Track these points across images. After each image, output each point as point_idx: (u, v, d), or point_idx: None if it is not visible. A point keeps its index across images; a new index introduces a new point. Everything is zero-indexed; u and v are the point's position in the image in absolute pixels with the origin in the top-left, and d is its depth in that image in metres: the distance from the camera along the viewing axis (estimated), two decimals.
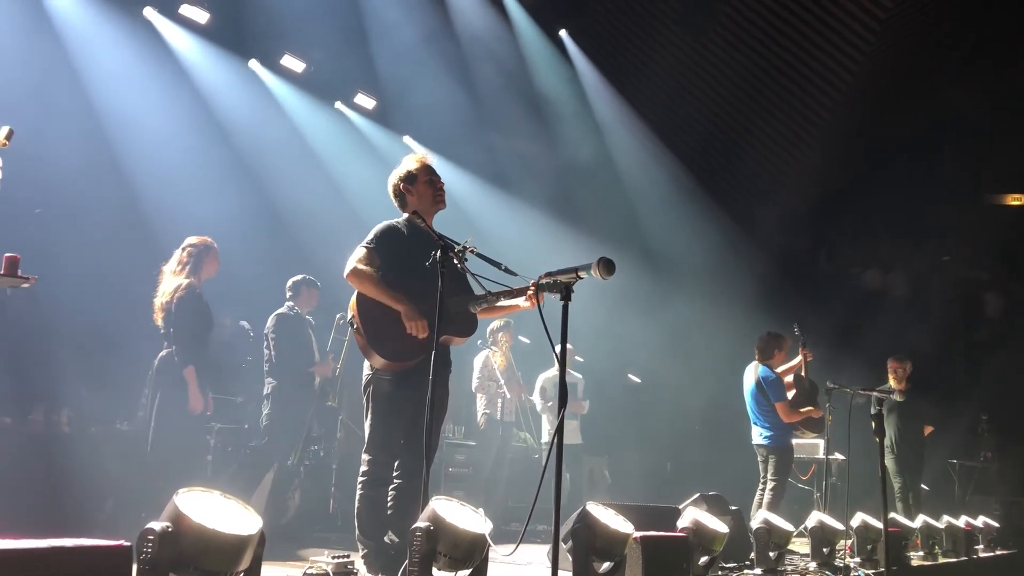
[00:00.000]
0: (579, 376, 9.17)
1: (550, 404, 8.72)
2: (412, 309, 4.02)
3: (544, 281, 3.24)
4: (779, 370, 7.43)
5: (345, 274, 4.10)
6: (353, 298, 4.13)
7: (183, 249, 6.02)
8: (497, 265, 3.83)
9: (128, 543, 2.23)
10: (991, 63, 11.54)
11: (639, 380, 11.54)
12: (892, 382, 8.53)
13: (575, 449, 9.05)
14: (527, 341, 9.10)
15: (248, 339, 7.93)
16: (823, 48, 10.65)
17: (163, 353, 5.96)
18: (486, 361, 8.68)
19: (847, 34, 10.30)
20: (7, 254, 3.24)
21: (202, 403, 5.94)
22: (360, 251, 4.14)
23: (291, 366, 6.96)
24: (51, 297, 6.21)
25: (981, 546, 8.04)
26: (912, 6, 10.09)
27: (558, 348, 3.05)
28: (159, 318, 5.92)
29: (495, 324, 8.72)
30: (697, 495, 5.80)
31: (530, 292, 3.69)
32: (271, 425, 6.93)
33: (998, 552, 8.26)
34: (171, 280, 5.93)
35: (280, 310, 7.10)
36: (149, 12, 8.60)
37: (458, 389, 9.24)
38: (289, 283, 7.21)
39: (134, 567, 2.30)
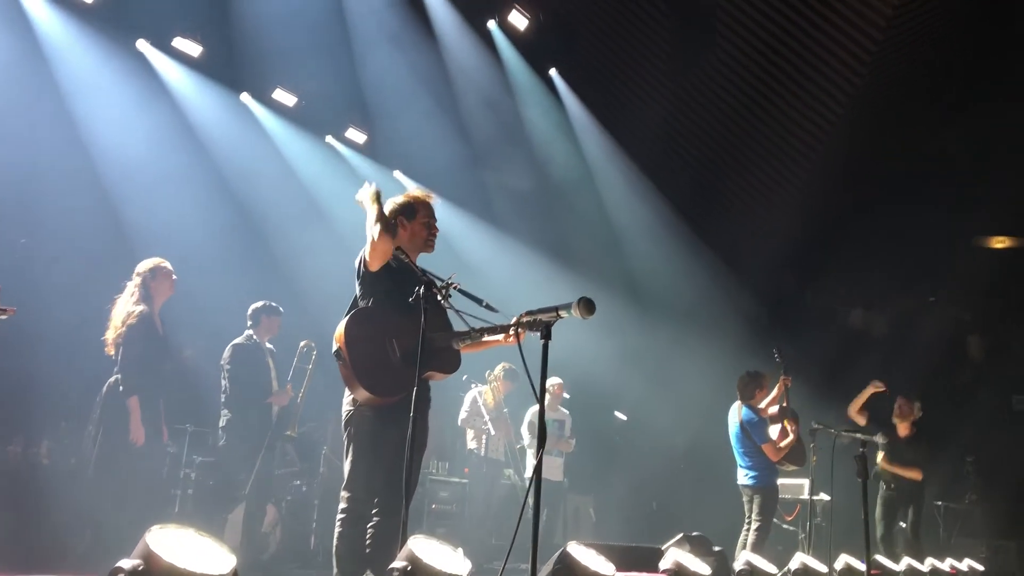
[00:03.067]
0: (566, 413, 9.09)
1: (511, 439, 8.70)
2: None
3: (526, 319, 3.25)
4: (763, 404, 7.43)
5: (370, 265, 4.06)
6: (340, 328, 4.09)
7: (133, 278, 5.95)
8: (478, 301, 3.83)
9: None
10: (977, 106, 11.69)
11: (625, 417, 11.51)
12: (895, 418, 8.45)
13: (558, 487, 8.96)
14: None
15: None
16: (809, 90, 10.77)
17: (111, 380, 5.84)
18: (475, 398, 8.65)
19: (833, 76, 10.43)
20: None
21: (143, 435, 5.75)
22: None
23: (246, 397, 6.77)
24: (33, 328, 6.18)
25: None
26: (899, 48, 10.24)
27: (542, 384, 3.06)
28: (111, 350, 5.81)
29: (497, 371, 8.68)
30: (680, 536, 5.77)
31: (511, 330, 3.68)
32: (226, 457, 6.78)
33: None
34: (122, 308, 5.84)
35: (237, 340, 6.91)
36: (142, 44, 8.66)
37: (444, 425, 9.21)
38: (249, 310, 7.02)
39: None
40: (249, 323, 6.99)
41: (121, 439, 5.70)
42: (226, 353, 6.86)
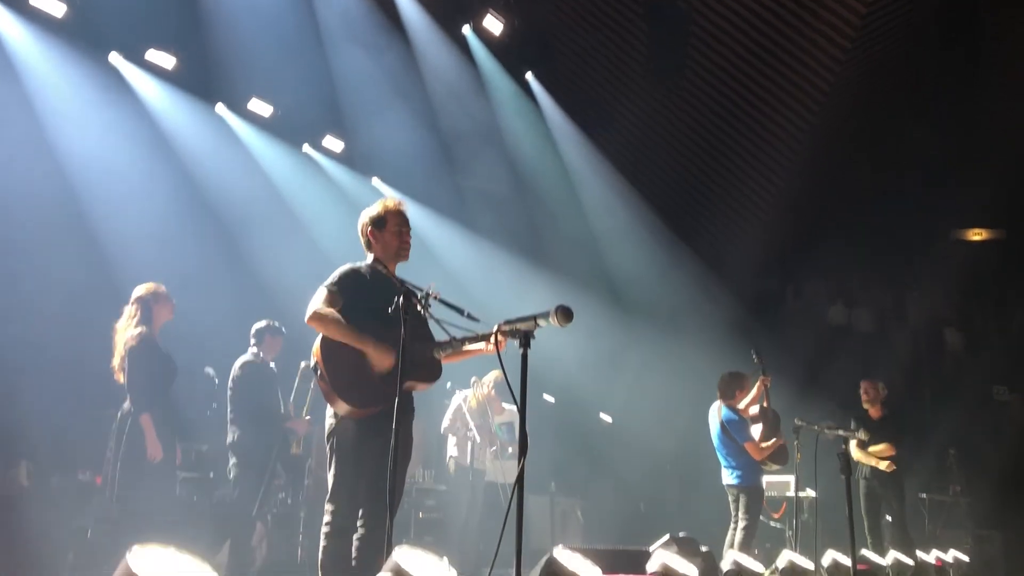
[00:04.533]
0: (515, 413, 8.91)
1: (494, 447, 8.50)
2: (378, 345, 3.98)
3: (504, 328, 3.25)
4: (742, 404, 7.43)
5: (307, 318, 4.03)
6: (317, 343, 4.07)
7: (131, 303, 5.93)
8: (460, 311, 3.82)
9: None
10: (948, 102, 11.80)
11: (610, 420, 11.51)
12: (864, 404, 8.49)
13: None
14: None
15: (213, 386, 7.70)
16: (787, 90, 10.85)
17: (125, 405, 5.84)
18: (459, 405, 8.55)
19: (809, 76, 10.51)
20: None
21: (160, 450, 5.75)
22: (322, 292, 4.08)
23: (257, 414, 6.70)
24: (7, 349, 6.11)
25: None
26: (871, 48, 10.32)
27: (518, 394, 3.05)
28: (120, 377, 5.81)
29: (487, 378, 8.52)
30: (667, 537, 5.76)
31: (491, 339, 3.66)
32: (240, 475, 6.66)
33: None
34: (123, 335, 5.84)
35: (245, 357, 6.84)
36: (115, 57, 8.59)
37: (429, 434, 9.16)
38: (253, 330, 6.97)
39: None
40: (253, 341, 6.91)
41: (144, 460, 5.69)
42: (235, 370, 6.78)
